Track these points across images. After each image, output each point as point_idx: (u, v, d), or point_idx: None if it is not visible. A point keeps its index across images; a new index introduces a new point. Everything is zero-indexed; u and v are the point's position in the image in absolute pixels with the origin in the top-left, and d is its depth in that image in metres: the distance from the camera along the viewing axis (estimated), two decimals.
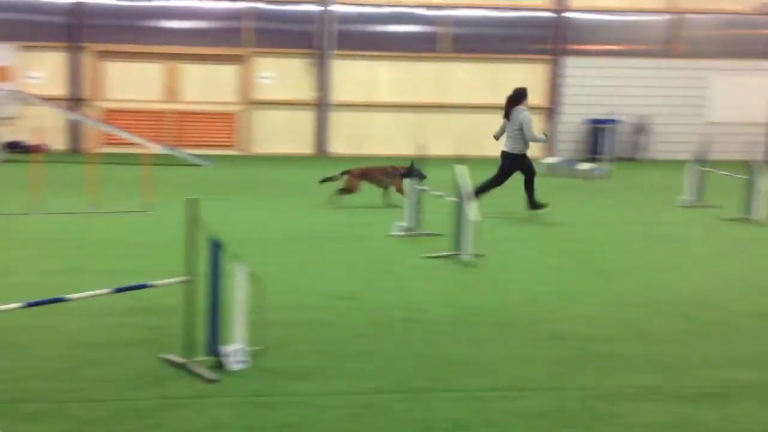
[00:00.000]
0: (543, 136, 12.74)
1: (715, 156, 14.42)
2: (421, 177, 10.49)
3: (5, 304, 4.57)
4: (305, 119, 23.44)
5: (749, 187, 11.90)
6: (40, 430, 4.16)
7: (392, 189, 12.67)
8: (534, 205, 12.00)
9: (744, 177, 12.14)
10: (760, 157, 15.39)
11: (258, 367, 5.16)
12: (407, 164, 11.35)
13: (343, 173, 12.63)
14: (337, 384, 4.94)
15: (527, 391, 4.86)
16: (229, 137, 23.78)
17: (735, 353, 5.71)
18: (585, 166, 17.93)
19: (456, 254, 8.84)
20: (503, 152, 12.07)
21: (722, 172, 13.42)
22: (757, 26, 23.67)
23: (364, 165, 13.37)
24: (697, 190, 13.43)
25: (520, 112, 11.83)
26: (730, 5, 23.49)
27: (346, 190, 12.54)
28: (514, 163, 11.98)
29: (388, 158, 22.59)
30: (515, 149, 11.95)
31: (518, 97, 12.02)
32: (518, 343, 5.86)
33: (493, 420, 4.43)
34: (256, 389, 4.81)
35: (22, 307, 4.60)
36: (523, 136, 11.82)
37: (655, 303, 7.08)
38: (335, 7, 23.14)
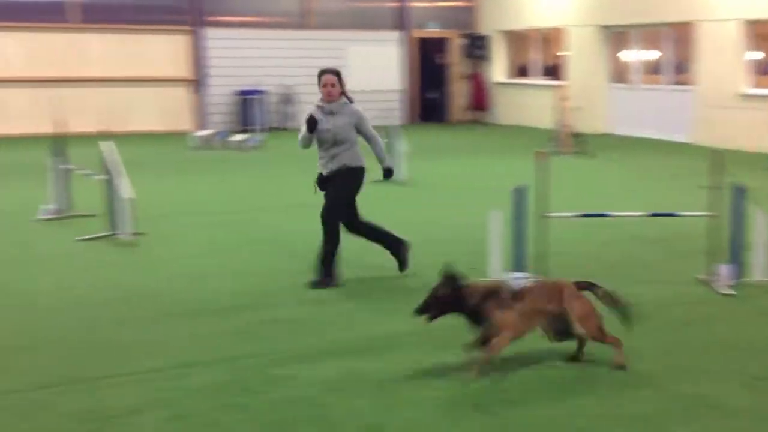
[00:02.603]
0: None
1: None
2: None
3: None
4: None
5: (391, 151, 12.79)
6: None
7: None
8: None
9: (385, 141, 13.01)
10: (395, 121, 16.62)
11: None
12: None
13: None
14: None
15: (199, 366, 4.86)
16: None
17: (387, 307, 6.16)
18: (238, 137, 18.08)
19: (112, 234, 8.48)
20: None
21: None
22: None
23: None
24: None
25: None
26: None
27: None
28: None
29: (27, 138, 21.03)
30: None
31: None
32: (185, 321, 5.81)
33: (167, 399, 4.36)
34: None
35: None
36: None
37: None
38: None
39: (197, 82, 23.30)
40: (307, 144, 6.89)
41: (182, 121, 22.74)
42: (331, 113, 6.71)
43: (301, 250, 7.76)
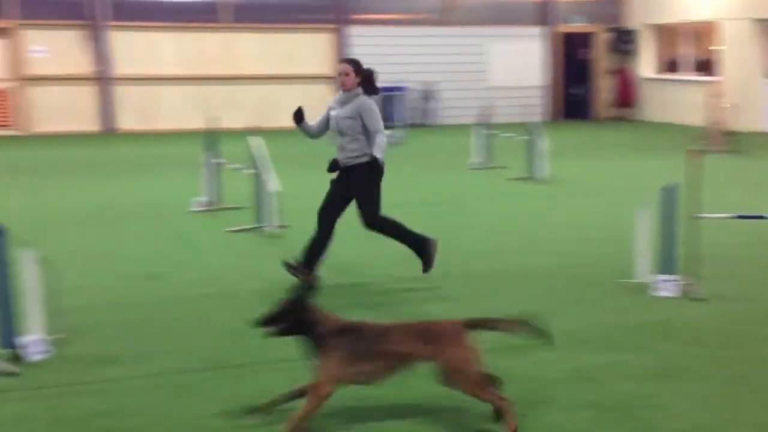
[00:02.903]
0: None
1: (496, 119, 15.13)
2: None
3: None
4: (87, 95, 22.24)
5: (530, 148, 12.63)
6: None
7: None
8: None
9: (525, 138, 12.87)
10: (537, 118, 16.36)
11: (61, 355, 4.90)
12: None
13: None
14: (148, 366, 4.79)
15: None
16: (3, 116, 22.14)
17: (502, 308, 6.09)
18: None
19: (259, 226, 8.77)
20: None
21: (506, 134, 14.15)
22: None
23: None
24: (484, 153, 14.08)
25: None
26: None
27: None
28: None
29: (181, 133, 22.03)
30: None
31: None
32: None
33: None
34: (62, 379, 4.57)
35: None
36: None
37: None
38: None
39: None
40: (306, 134, 6.89)
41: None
42: (343, 103, 6.62)
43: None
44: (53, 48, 22.27)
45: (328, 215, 6.73)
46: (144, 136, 19.77)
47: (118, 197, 10.97)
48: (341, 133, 6.60)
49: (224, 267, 7.31)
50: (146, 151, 16.73)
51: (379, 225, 6.66)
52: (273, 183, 8.62)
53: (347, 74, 6.54)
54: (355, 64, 6.61)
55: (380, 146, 6.60)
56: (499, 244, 8.20)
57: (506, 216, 9.86)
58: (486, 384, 3.96)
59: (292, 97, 24.66)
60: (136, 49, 22.63)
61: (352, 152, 6.58)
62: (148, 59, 22.74)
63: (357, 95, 6.58)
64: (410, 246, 6.74)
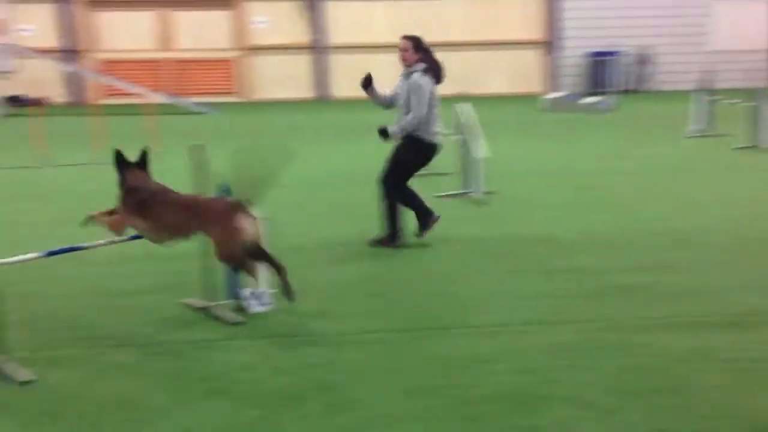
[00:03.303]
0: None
1: (717, 84, 14.29)
2: None
3: (22, 254, 4.59)
4: (303, 63, 23.22)
5: (756, 115, 11.83)
6: (71, 375, 4.22)
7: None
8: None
9: (751, 104, 12.06)
10: (763, 83, 15.27)
11: (278, 308, 5.21)
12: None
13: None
14: (356, 323, 4.99)
15: (546, 325, 4.91)
16: (227, 84, 23.60)
17: (751, 280, 5.75)
18: (589, 99, 17.81)
19: (466, 192, 8.85)
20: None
21: (730, 101, 13.34)
22: None
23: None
24: (705, 120, 13.35)
25: None
26: None
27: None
28: None
29: None
30: None
31: None
32: (535, 278, 5.90)
33: (514, 352, 4.48)
34: (280, 330, 4.86)
35: (41, 257, 4.62)
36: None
37: (671, 232, 7.11)
38: None
39: (550, 44, 23.26)
40: (376, 102, 6.97)
41: (533, 84, 22.91)
42: (403, 78, 6.75)
43: (649, 216, 7.49)
44: (273, 18, 23.41)
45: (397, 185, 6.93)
46: (356, 102, 20.43)
47: (331, 163, 11.44)
48: (398, 107, 6.81)
49: (432, 232, 7.43)
50: (351, 117, 17.25)
51: (387, 190, 6.85)
52: (480, 150, 8.65)
53: (406, 50, 6.69)
54: (415, 40, 6.71)
55: (403, 124, 6.71)
56: (729, 218, 7.76)
57: (728, 185, 9.35)
58: (246, 260, 4.73)
59: (498, 63, 24.54)
60: (351, 18, 23.31)
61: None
62: (362, 28, 23.37)
63: (413, 72, 6.70)
64: (423, 217, 6.94)
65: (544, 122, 16.21)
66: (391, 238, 6.87)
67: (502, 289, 5.63)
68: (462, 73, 22.58)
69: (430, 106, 6.73)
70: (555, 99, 18.41)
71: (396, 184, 6.87)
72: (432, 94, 6.73)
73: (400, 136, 6.75)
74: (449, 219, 7.89)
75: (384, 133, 6.74)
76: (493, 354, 4.46)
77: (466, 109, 8.96)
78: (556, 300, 5.38)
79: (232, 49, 23.49)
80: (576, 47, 23.13)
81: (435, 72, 6.75)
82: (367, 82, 6.82)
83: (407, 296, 5.54)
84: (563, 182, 9.79)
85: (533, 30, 23.55)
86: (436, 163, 10.22)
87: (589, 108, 17.43)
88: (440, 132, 7.00)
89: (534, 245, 6.85)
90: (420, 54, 6.68)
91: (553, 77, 22.06)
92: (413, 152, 6.84)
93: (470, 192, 8.78)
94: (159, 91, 20.85)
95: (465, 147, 8.90)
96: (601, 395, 3.90)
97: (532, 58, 23.59)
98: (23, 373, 4.17)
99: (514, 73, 23.51)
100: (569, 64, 23.32)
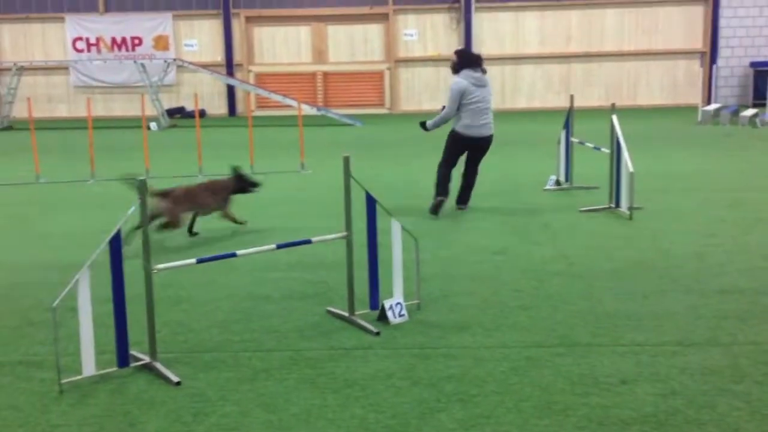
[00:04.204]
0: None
1: None
2: (254, 185, 8.39)
3: (178, 260, 4.84)
4: (449, 75, 23.36)
5: None
6: (217, 377, 4.42)
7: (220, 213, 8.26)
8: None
9: None
10: None
11: (417, 320, 5.25)
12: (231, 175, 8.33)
13: (156, 195, 7.51)
14: (497, 337, 4.96)
15: (694, 347, 4.72)
16: (377, 96, 24.02)
17: None
18: (748, 112, 16.97)
19: (612, 207, 8.63)
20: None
21: None
22: None
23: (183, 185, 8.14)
24: None
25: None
26: None
27: (170, 225, 7.62)
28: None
29: (538, 111, 22.21)
30: None
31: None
32: (683, 297, 5.68)
33: (658, 374, 4.33)
34: (418, 341, 4.90)
35: (193, 264, 4.85)
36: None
37: None
38: None
39: (708, 54, 22.32)
40: (443, 125, 9.00)
41: (689, 95, 22.04)
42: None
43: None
44: (423, 31, 23.66)
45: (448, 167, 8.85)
46: (503, 114, 20.31)
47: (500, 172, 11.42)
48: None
49: (576, 246, 7.29)
50: (505, 128, 17.17)
51: (439, 169, 8.74)
52: (629, 163, 8.41)
53: (453, 62, 8.75)
54: (457, 53, 8.81)
55: (435, 119, 8.84)
56: None
57: None
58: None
59: (651, 73, 23.75)
60: (500, 29, 23.23)
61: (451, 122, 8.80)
62: (511, 39, 23.24)
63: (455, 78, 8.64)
64: (437, 191, 8.64)
65: (698, 135, 15.57)
66: (441, 197, 8.59)
67: (648, 308, 5.45)
68: (612, 85, 22.03)
69: (463, 105, 8.50)
70: (712, 111, 17.66)
71: (441, 163, 8.74)
72: (464, 95, 8.46)
73: (434, 129, 8.89)
74: (595, 234, 7.71)
75: (423, 125, 8.94)
76: (636, 374, 4.33)
77: (615, 121, 8.74)
78: (707, 321, 5.17)
79: (383, 62, 23.88)
80: (735, 56, 22.09)
81: (475, 65, 8.57)
82: (424, 127, 8.96)
83: (553, 311, 5.46)
84: (714, 198, 9.36)
85: (691, 39, 22.65)
86: (582, 176, 10.06)
87: (748, 121, 16.61)
88: (479, 125, 8.58)
89: (683, 262, 6.59)
90: (459, 62, 8.62)
91: (711, 88, 21.14)
92: (450, 142, 8.75)
93: (617, 207, 8.55)
94: (310, 103, 21.48)
95: (614, 160, 8.68)
96: (756, 424, 3.72)
97: (688, 68, 22.70)
98: (172, 373, 4.41)
99: (669, 84, 22.69)
100: (728, 75, 22.29)
